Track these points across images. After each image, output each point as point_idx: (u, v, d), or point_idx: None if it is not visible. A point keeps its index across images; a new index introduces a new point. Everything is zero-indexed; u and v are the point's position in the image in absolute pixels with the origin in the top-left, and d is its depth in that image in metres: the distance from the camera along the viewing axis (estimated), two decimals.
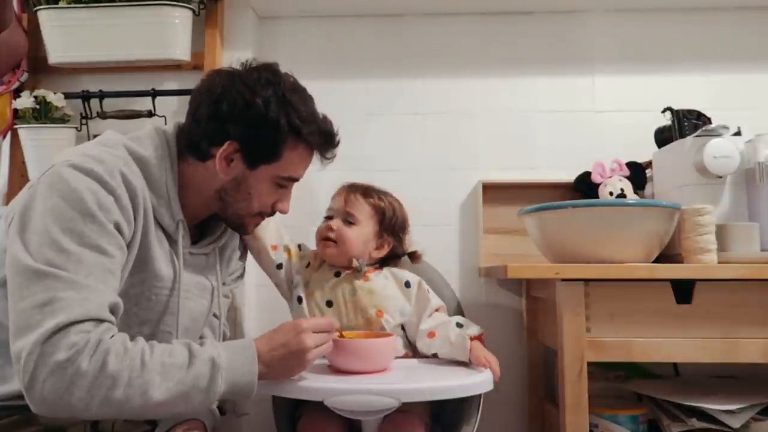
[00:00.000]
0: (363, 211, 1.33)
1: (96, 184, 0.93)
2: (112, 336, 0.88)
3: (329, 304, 1.30)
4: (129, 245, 0.98)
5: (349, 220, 1.32)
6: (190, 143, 1.07)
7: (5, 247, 0.94)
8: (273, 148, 1.06)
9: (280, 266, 1.33)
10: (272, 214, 1.17)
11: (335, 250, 1.31)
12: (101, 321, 0.88)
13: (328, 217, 1.35)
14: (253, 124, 1.03)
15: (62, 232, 0.89)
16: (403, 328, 1.32)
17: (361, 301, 1.29)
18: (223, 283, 1.22)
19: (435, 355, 1.26)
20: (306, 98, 1.09)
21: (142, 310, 1.04)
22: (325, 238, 1.32)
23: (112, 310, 0.91)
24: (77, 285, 0.86)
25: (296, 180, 1.14)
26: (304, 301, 1.30)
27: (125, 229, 0.96)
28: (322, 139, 1.11)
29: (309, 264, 1.36)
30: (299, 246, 1.39)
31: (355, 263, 1.31)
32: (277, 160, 1.07)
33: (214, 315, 1.24)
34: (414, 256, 1.42)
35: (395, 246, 1.38)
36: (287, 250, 1.35)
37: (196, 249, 1.14)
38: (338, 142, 1.14)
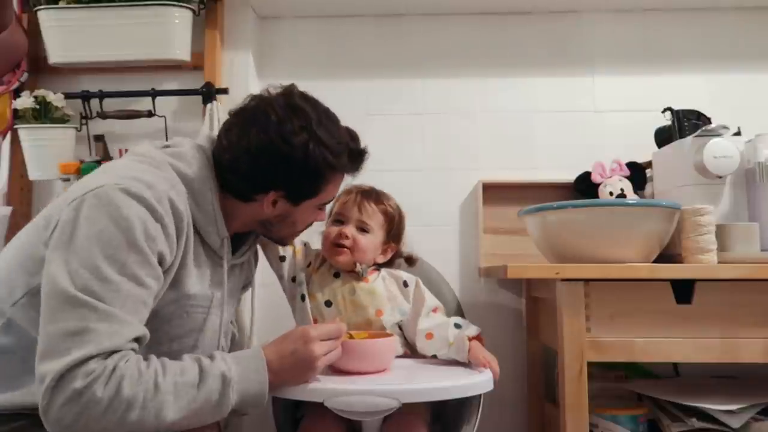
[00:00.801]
0: (376, 219, 1.34)
1: (146, 212, 0.94)
2: (127, 360, 0.89)
3: (328, 304, 1.30)
4: (167, 271, 0.99)
5: (363, 228, 1.33)
6: (232, 188, 1.09)
7: (39, 256, 0.94)
8: (314, 188, 1.11)
9: (283, 258, 1.34)
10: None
11: (348, 257, 1.31)
12: (122, 351, 0.89)
13: (338, 221, 1.34)
14: (296, 174, 1.06)
15: (105, 259, 0.89)
16: (400, 327, 1.32)
17: (360, 301, 1.29)
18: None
19: (435, 356, 1.27)
20: (333, 126, 1.11)
21: (173, 328, 1.05)
22: (338, 244, 1.31)
23: (138, 341, 0.92)
24: (110, 317, 0.87)
25: (332, 200, 1.22)
26: (308, 299, 1.30)
27: (167, 257, 0.97)
28: (355, 161, 1.15)
29: (310, 264, 1.37)
30: (304, 244, 1.39)
31: (357, 267, 1.31)
32: (318, 195, 1.12)
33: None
34: (411, 260, 1.43)
35: (397, 251, 1.39)
36: (292, 245, 1.35)
37: (235, 259, 1.16)
38: (367, 156, 1.17)
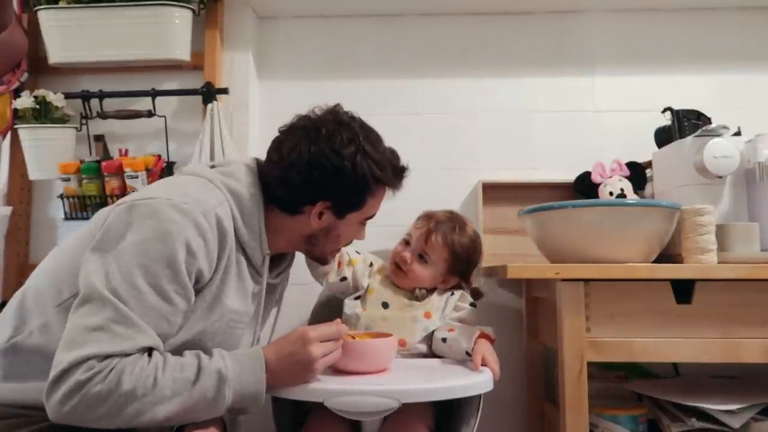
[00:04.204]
0: (438, 252, 1.37)
1: (191, 227, 0.98)
2: (130, 356, 0.91)
3: (385, 305, 1.36)
4: (206, 286, 1.03)
5: (423, 257, 1.37)
6: (280, 201, 1.13)
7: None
8: (360, 200, 1.15)
9: (344, 279, 1.39)
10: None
11: (403, 278, 1.38)
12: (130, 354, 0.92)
13: (406, 242, 1.40)
14: (344, 185, 1.11)
15: (139, 267, 0.93)
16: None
17: (412, 310, 1.35)
18: None
19: (444, 340, 1.29)
20: (377, 141, 1.16)
21: (216, 344, 1.07)
22: (398, 265, 1.38)
23: (148, 351, 0.94)
24: (129, 321, 0.91)
25: (374, 216, 1.23)
26: (361, 297, 1.38)
27: (206, 274, 1.01)
28: (397, 177, 1.19)
29: (371, 263, 1.44)
30: (357, 252, 1.43)
31: (416, 292, 1.37)
32: (362, 207, 1.16)
33: None
34: (477, 293, 1.45)
35: (460, 284, 1.42)
36: (348, 262, 1.40)
37: (270, 279, 1.19)
38: (407, 173, 1.21)
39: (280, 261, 1.23)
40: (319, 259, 1.26)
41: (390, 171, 1.16)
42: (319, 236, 1.17)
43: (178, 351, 0.98)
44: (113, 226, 0.97)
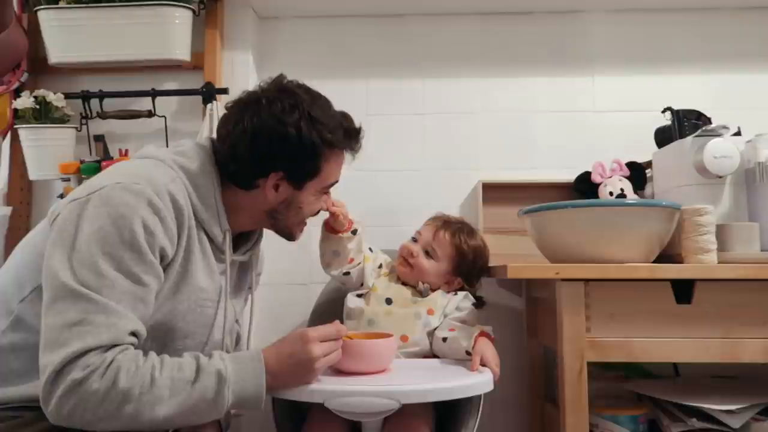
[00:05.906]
0: (445, 249, 1.41)
1: (145, 207, 0.96)
2: (126, 354, 0.91)
3: (389, 301, 1.37)
4: (170, 264, 1.01)
5: (429, 252, 1.41)
6: (234, 177, 1.11)
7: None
8: (314, 167, 1.12)
9: (347, 273, 1.39)
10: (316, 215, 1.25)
11: (408, 271, 1.41)
12: (122, 345, 0.91)
13: (414, 239, 1.44)
14: (292, 153, 1.08)
15: (103, 255, 0.92)
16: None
17: (415, 307, 1.36)
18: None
19: (444, 340, 1.29)
20: (324, 104, 1.13)
21: (188, 324, 1.07)
22: (404, 258, 1.41)
23: (135, 335, 0.94)
24: (108, 309, 0.90)
25: (336, 183, 1.20)
26: (364, 295, 1.38)
27: (168, 251, 0.99)
28: (350, 138, 1.16)
29: (381, 265, 1.45)
30: (370, 249, 1.44)
31: (420, 286, 1.39)
32: (319, 175, 1.13)
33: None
34: (479, 302, 1.45)
35: (465, 287, 1.44)
36: (362, 260, 1.41)
37: (237, 256, 1.17)
38: (362, 134, 1.18)
39: (246, 239, 1.22)
40: (285, 234, 1.21)
41: (341, 133, 1.12)
42: (281, 210, 1.14)
43: (148, 333, 0.97)
44: (68, 221, 0.95)
